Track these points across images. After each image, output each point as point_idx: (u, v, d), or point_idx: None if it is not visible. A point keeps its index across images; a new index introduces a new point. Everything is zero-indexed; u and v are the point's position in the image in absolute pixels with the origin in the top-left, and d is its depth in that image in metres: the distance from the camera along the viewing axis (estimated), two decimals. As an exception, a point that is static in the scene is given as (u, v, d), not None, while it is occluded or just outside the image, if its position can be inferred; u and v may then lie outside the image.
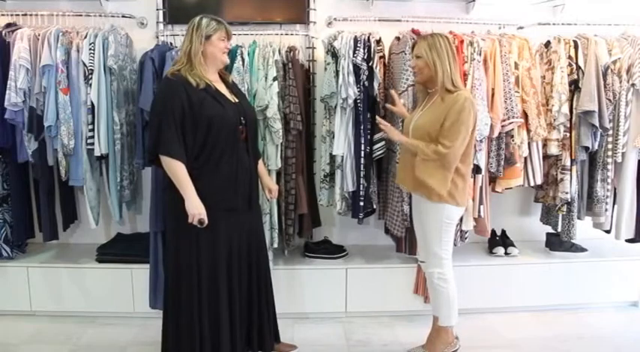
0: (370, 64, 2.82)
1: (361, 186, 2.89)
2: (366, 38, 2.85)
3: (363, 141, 2.86)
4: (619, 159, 2.96)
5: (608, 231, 3.12)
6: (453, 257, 2.50)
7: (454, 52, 2.37)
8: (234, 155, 2.24)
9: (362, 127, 2.85)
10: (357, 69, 2.80)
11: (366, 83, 2.82)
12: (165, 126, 2.12)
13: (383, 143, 2.87)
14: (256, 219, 2.47)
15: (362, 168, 2.88)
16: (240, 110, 2.29)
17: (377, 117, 2.37)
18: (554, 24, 3.08)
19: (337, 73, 2.85)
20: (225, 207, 2.24)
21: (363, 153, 2.87)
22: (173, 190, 2.17)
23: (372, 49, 2.83)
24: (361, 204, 2.91)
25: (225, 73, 2.40)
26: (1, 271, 2.96)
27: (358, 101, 2.82)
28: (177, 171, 2.13)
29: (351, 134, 2.87)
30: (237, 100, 2.32)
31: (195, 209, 2.13)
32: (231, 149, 2.23)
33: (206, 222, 2.15)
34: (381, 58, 2.89)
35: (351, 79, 2.78)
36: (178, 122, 2.13)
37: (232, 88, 2.39)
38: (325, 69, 2.96)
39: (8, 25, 2.82)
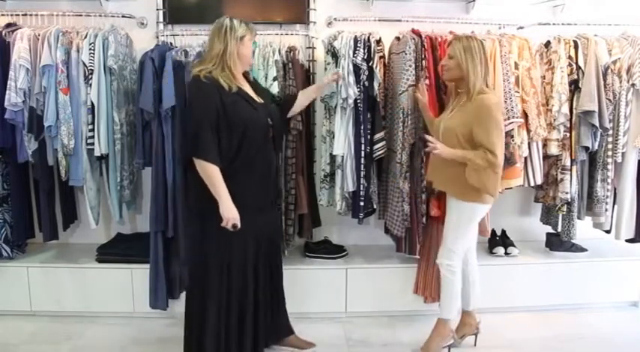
0: (370, 64, 2.81)
1: (361, 186, 2.89)
2: (366, 38, 2.85)
3: (363, 141, 2.86)
4: (619, 159, 2.96)
5: (608, 231, 3.12)
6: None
7: (487, 56, 2.45)
8: (264, 155, 2.31)
9: (362, 127, 2.85)
10: (357, 69, 2.79)
11: (366, 83, 2.82)
12: (201, 130, 2.15)
13: (383, 143, 2.87)
14: (276, 213, 2.59)
15: (362, 168, 2.87)
16: (267, 111, 2.35)
17: (426, 136, 2.43)
18: (554, 24, 3.08)
19: (337, 73, 2.85)
20: (257, 205, 2.30)
21: (363, 153, 2.86)
22: (205, 192, 2.20)
23: (372, 49, 2.83)
24: (361, 204, 2.91)
25: (247, 72, 2.46)
26: (1, 271, 2.96)
27: (358, 101, 2.82)
28: (213, 175, 2.16)
29: (351, 134, 2.87)
30: (262, 101, 2.36)
31: (230, 213, 2.17)
32: (263, 150, 2.29)
33: (239, 226, 2.19)
34: (381, 58, 2.89)
35: (351, 79, 2.78)
36: (214, 126, 2.17)
37: (254, 86, 2.44)
38: (325, 69, 2.96)
39: (8, 25, 2.82)
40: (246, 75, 2.43)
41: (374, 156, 2.89)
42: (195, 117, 2.19)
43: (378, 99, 2.87)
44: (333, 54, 2.89)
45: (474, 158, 2.36)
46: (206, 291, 2.30)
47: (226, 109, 2.18)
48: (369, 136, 2.87)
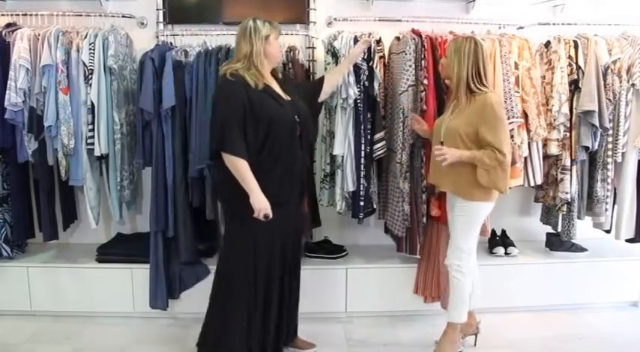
0: (370, 64, 2.81)
1: (361, 186, 2.89)
2: (366, 38, 2.85)
3: (363, 141, 2.86)
4: (619, 159, 2.96)
5: (608, 231, 3.12)
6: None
7: (480, 57, 2.40)
8: (290, 152, 2.32)
9: (362, 127, 2.85)
10: (357, 69, 2.79)
11: (366, 83, 2.82)
12: (228, 125, 2.20)
13: (383, 143, 2.87)
14: (301, 209, 2.62)
15: (362, 168, 2.87)
16: (295, 108, 2.37)
17: (436, 147, 2.43)
18: (554, 24, 3.08)
19: (337, 72, 2.85)
20: (282, 200, 2.32)
21: (363, 153, 2.86)
22: (234, 187, 2.23)
23: (372, 49, 2.83)
24: (361, 203, 2.91)
25: (275, 70, 2.49)
26: (1, 271, 2.96)
27: (358, 101, 2.82)
28: (242, 168, 2.21)
29: (351, 134, 2.87)
30: (289, 98, 2.39)
31: (261, 204, 2.21)
32: (288, 146, 2.32)
33: (271, 216, 2.23)
34: (381, 58, 2.89)
35: (351, 78, 2.78)
36: (240, 121, 2.21)
37: (282, 83, 2.46)
38: (325, 69, 2.96)
39: (8, 25, 2.82)
40: (274, 73, 2.46)
41: (374, 156, 2.88)
42: (221, 115, 2.24)
43: (378, 99, 2.87)
44: (333, 54, 2.89)
45: (482, 158, 2.36)
46: (232, 285, 2.34)
47: (253, 106, 2.22)
48: (369, 136, 2.87)
